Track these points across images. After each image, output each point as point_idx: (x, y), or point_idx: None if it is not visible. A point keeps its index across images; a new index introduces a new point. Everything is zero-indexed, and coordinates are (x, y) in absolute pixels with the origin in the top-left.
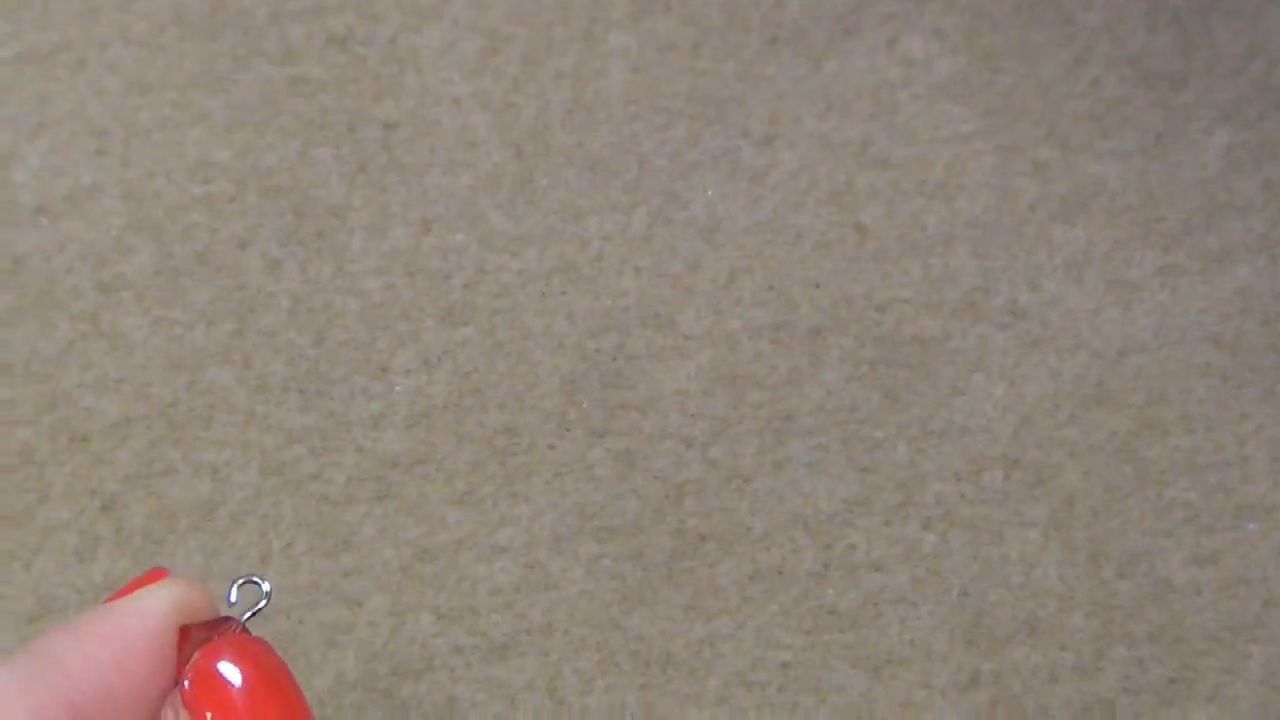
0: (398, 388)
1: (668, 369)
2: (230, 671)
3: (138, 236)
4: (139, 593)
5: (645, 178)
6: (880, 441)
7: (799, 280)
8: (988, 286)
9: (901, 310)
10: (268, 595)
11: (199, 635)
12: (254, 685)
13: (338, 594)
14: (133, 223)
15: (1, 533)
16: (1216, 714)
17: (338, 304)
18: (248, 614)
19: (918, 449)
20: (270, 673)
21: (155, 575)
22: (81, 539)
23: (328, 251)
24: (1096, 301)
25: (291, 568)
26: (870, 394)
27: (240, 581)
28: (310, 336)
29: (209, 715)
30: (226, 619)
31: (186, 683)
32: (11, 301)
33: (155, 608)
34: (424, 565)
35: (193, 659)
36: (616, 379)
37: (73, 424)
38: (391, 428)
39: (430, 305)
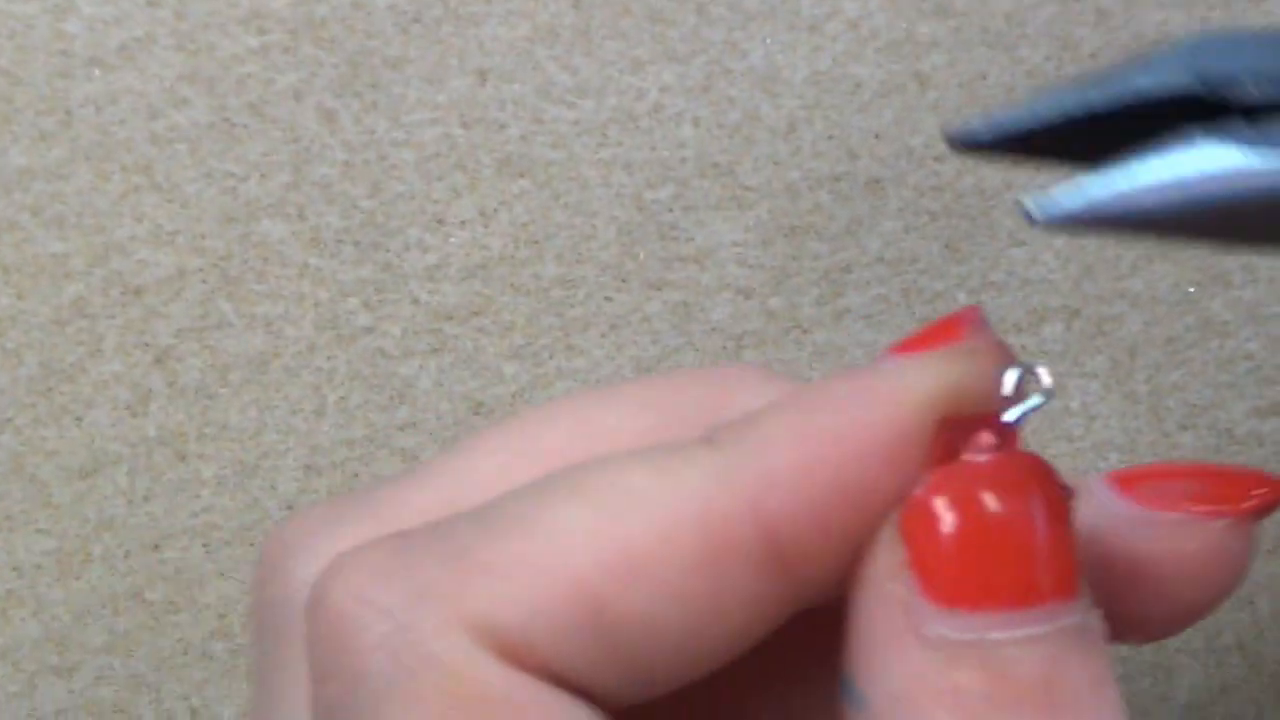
0: (453, 240)
1: (726, 220)
2: (945, 514)
3: (191, 88)
4: (898, 366)
5: (703, 27)
6: (940, 293)
7: (858, 130)
8: None
9: (962, 161)
10: (1048, 393)
11: (953, 439)
12: (970, 540)
13: (393, 447)
14: (186, 74)
15: (54, 387)
16: (1277, 566)
17: (393, 156)
18: (1016, 414)
19: (978, 299)
20: (1002, 524)
21: (952, 328)
22: (134, 393)
23: (383, 103)
24: None
25: (346, 421)
26: (930, 245)
27: (1018, 371)
28: (365, 188)
29: (913, 570)
30: (991, 419)
31: (902, 513)
32: (64, 154)
33: (914, 396)
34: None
35: (924, 481)
36: (674, 230)
37: (125, 277)
38: (447, 280)
39: (486, 156)
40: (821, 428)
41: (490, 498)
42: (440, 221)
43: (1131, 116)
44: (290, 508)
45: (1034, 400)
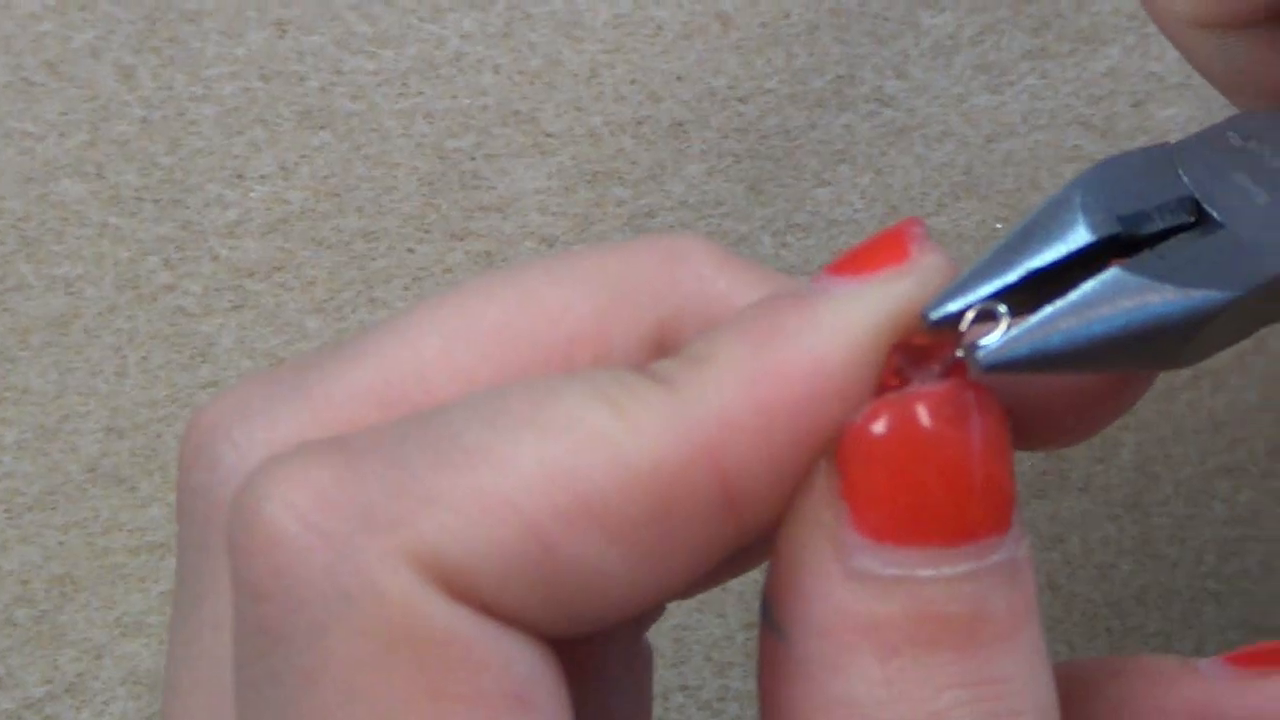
0: (254, 194)
1: (528, 168)
2: (881, 445)
3: None
4: (849, 293)
5: None
6: (745, 235)
7: (661, 73)
8: (853, 75)
9: (765, 101)
10: (1007, 329)
11: (905, 366)
12: (904, 473)
13: (195, 407)
14: None
15: None
16: (1089, 503)
17: (192, 111)
18: (971, 348)
19: (783, 242)
20: (939, 458)
21: (896, 244)
22: None
23: (181, 58)
24: (964, 87)
25: (148, 382)
26: (734, 187)
27: (977, 309)
28: (164, 145)
29: (845, 500)
30: (942, 346)
31: (839, 441)
32: None
33: (867, 326)
34: None
35: (863, 410)
36: (476, 179)
37: None
38: (248, 236)
39: (286, 109)
40: (776, 367)
41: (430, 382)
42: (240, 176)
43: (1067, 267)
44: (92, 471)
45: (991, 338)
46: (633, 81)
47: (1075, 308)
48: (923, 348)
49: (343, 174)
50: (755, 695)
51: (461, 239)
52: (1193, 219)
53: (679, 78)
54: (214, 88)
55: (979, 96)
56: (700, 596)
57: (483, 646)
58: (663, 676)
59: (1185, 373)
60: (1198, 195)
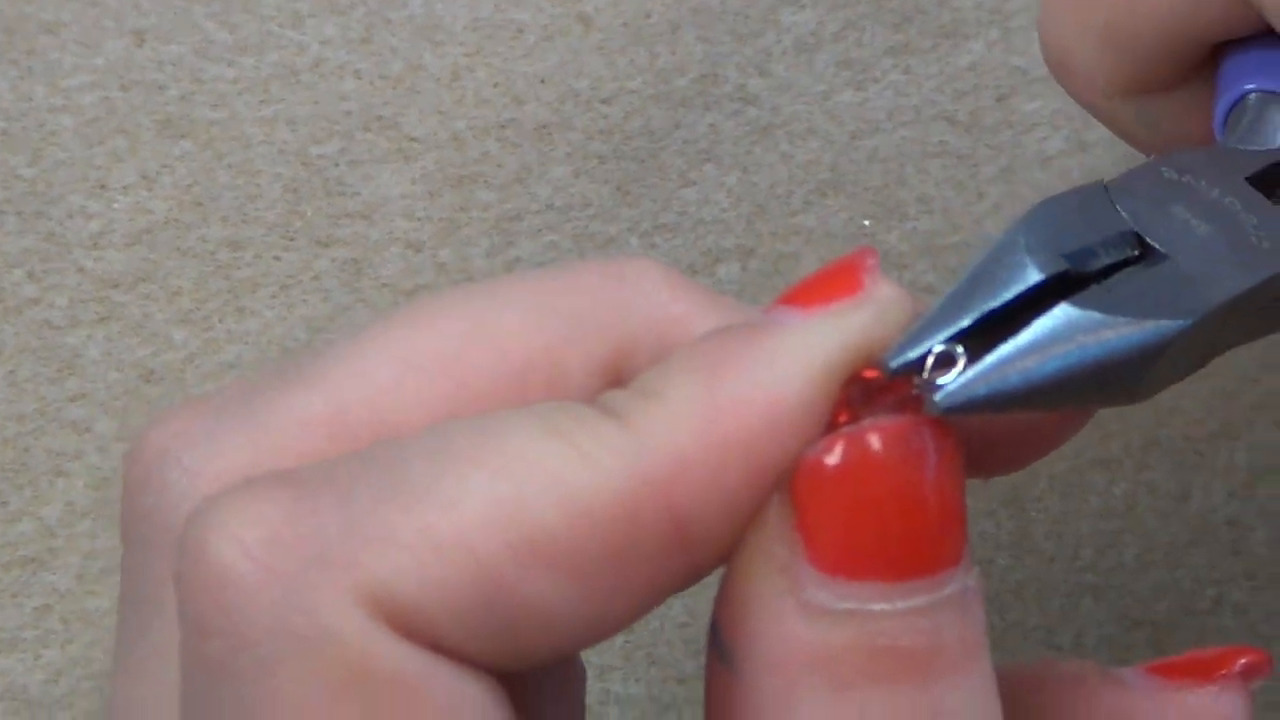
0: (117, 205)
1: (392, 173)
2: (836, 479)
3: None
4: (803, 326)
5: None
6: (613, 237)
7: (523, 76)
8: (716, 73)
9: (629, 101)
10: (963, 369)
11: (858, 400)
12: (860, 508)
13: (63, 420)
14: None
15: None
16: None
17: (51, 122)
18: (929, 388)
19: (650, 243)
20: (895, 494)
21: (850, 276)
22: None
23: (40, 69)
24: (828, 84)
25: (15, 395)
26: (600, 189)
27: (940, 349)
28: (25, 156)
29: (798, 533)
30: (900, 382)
31: (793, 474)
32: None
33: (822, 361)
34: (151, 387)
35: (819, 443)
36: (340, 186)
37: None
38: (112, 247)
39: (147, 119)
40: (729, 402)
41: (382, 412)
42: (103, 187)
43: (1017, 308)
44: None
45: (949, 377)
46: (495, 85)
47: (1031, 347)
48: (876, 382)
49: (206, 183)
50: (635, 700)
51: (327, 246)
52: (1137, 253)
53: (542, 80)
54: (73, 98)
55: (843, 93)
56: None
57: (432, 687)
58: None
59: None
60: (1138, 229)
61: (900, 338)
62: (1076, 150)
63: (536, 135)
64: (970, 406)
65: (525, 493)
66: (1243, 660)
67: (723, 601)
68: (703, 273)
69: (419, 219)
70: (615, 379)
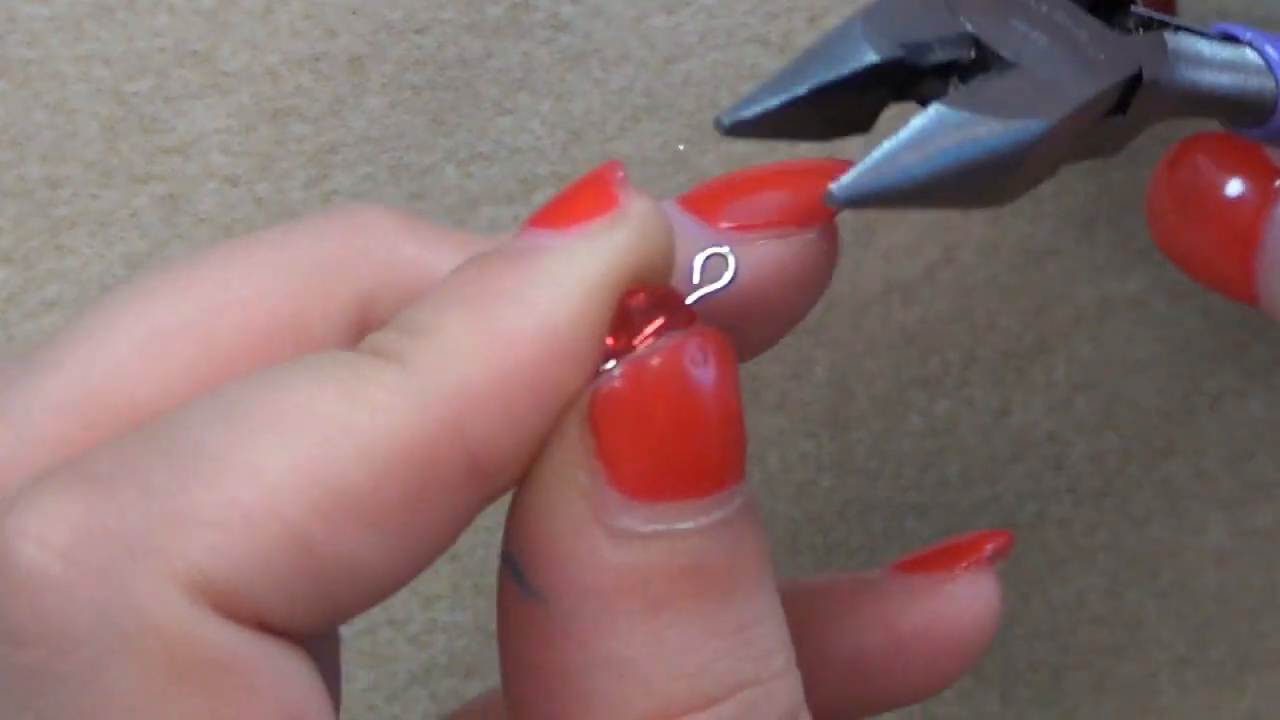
0: None
1: (208, 108)
2: (634, 403)
3: None
4: (568, 246)
5: None
6: (429, 167)
7: (336, 8)
8: (529, 2)
9: (443, 31)
10: (734, 274)
11: (639, 315)
12: (658, 429)
13: None
14: None
15: None
16: (785, 420)
17: None
18: (700, 293)
19: (467, 172)
20: (691, 412)
21: (604, 192)
22: None
23: None
24: (640, 9)
25: None
26: (416, 120)
27: (706, 254)
28: None
29: (601, 461)
30: (672, 295)
31: (592, 395)
32: None
33: (593, 280)
34: None
35: (623, 359)
36: (156, 122)
37: None
38: None
39: None
40: (505, 332)
41: (130, 389)
42: None
43: (853, 88)
44: None
45: (720, 283)
46: (308, 17)
47: (911, 143)
48: (651, 297)
49: (22, 122)
50: (463, 628)
51: (145, 183)
52: (972, 55)
53: (354, 12)
54: None
55: (655, 18)
56: None
57: (261, 667)
58: (369, 614)
59: (874, 287)
60: (979, 35)
61: (737, 102)
62: None
63: (350, 67)
64: (862, 199)
65: (321, 450)
66: (990, 545)
67: (523, 536)
68: (520, 200)
69: (235, 154)
70: (363, 329)
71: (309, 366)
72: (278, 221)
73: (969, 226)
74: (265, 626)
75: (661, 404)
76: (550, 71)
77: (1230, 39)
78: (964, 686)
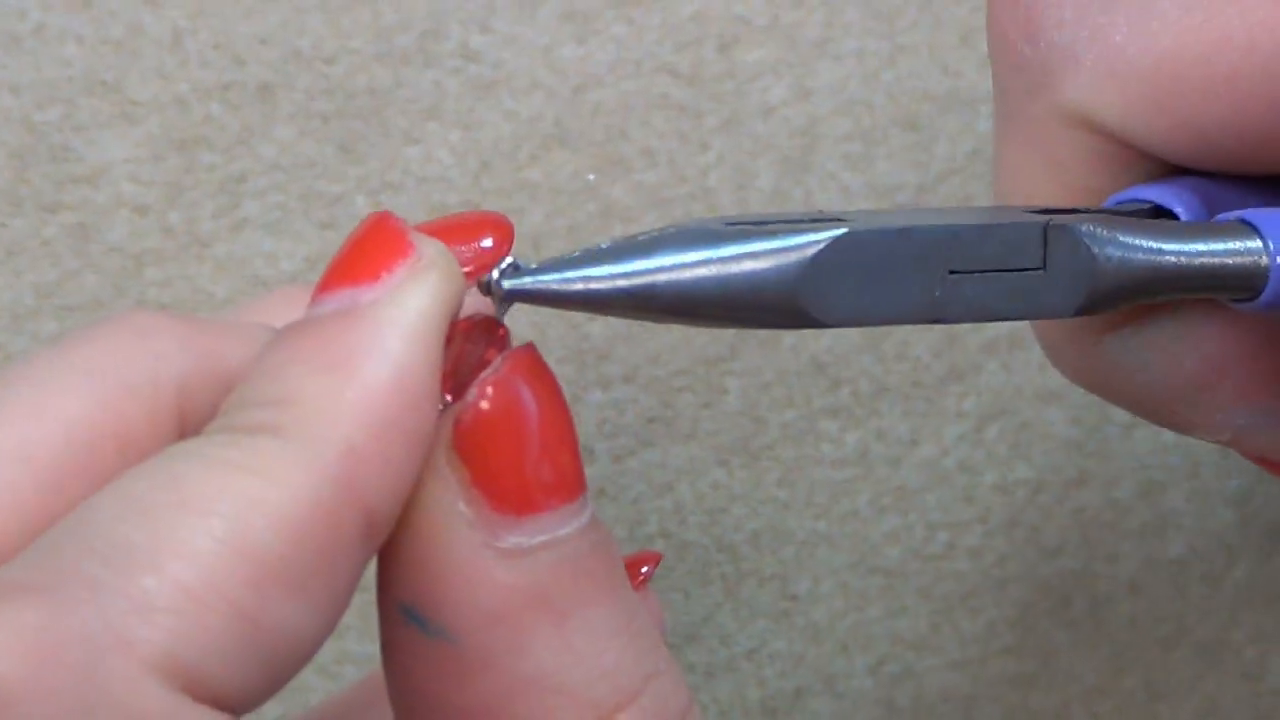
0: None
1: (117, 137)
2: (500, 428)
3: None
4: (395, 292)
5: None
6: (339, 196)
7: (244, 37)
8: (438, 30)
9: (352, 60)
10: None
11: (472, 346)
12: (528, 446)
13: None
14: None
15: None
16: (697, 449)
17: None
18: (503, 312)
19: (376, 201)
20: (549, 424)
21: (396, 244)
22: None
23: None
24: (550, 38)
25: None
26: (325, 148)
27: (505, 265)
28: None
29: (477, 487)
30: (489, 320)
31: (454, 429)
32: None
33: (423, 324)
34: None
35: (474, 388)
36: (65, 151)
37: None
38: None
39: None
40: (368, 385)
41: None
42: None
43: None
44: None
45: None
46: (216, 46)
47: (600, 256)
48: (475, 325)
49: None
50: (371, 658)
51: (54, 212)
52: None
53: (263, 40)
54: None
55: (565, 47)
56: None
57: None
58: None
59: None
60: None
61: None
62: (799, 99)
63: (259, 95)
64: (525, 296)
65: (240, 526)
66: (646, 568)
67: (417, 581)
68: None
69: (145, 183)
70: (184, 424)
71: (189, 454)
72: (189, 251)
73: None
74: (220, 705)
75: (522, 420)
76: (460, 100)
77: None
78: (875, 716)
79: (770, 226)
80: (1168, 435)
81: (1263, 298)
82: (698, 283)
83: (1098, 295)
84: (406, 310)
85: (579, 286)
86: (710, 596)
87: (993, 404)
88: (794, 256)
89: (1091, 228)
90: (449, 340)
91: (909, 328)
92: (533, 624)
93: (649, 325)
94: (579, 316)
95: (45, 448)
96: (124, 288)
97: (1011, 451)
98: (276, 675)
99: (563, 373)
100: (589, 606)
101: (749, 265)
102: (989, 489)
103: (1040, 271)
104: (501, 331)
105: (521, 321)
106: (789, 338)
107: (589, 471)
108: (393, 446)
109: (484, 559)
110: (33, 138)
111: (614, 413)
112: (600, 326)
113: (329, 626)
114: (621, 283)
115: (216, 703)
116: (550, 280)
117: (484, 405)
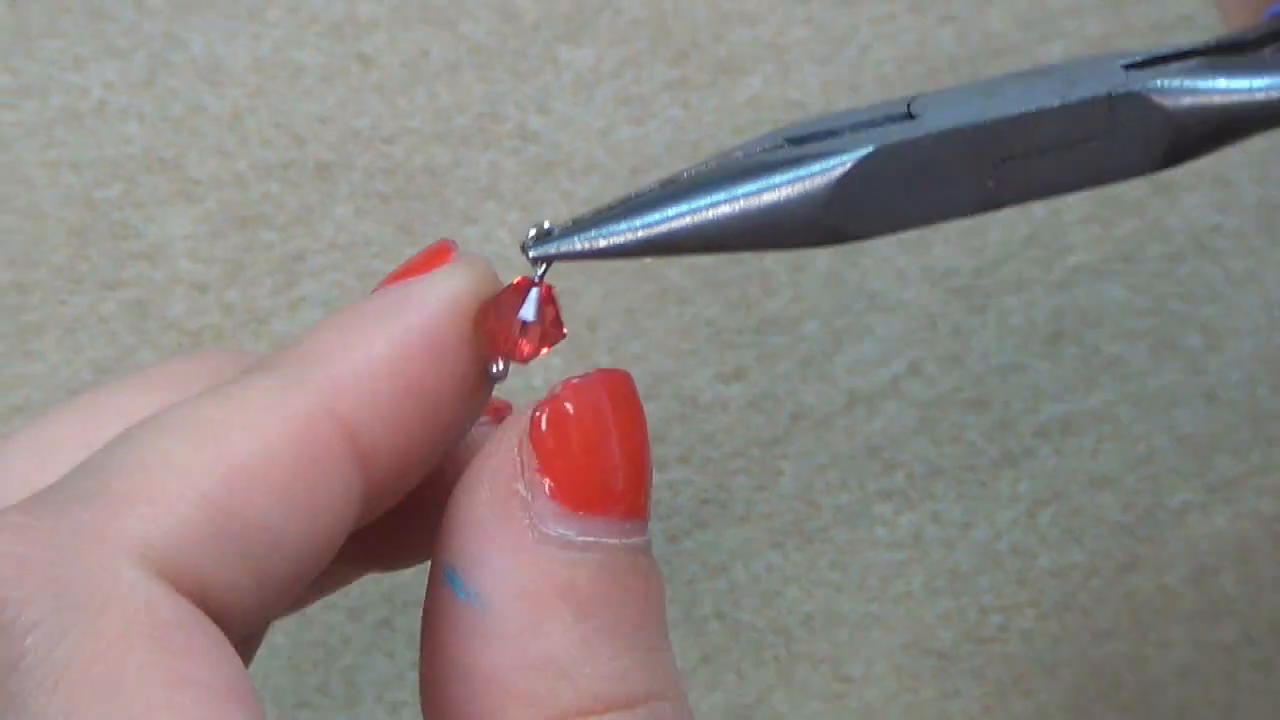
0: None
1: (176, 214)
2: (576, 425)
3: None
4: (423, 279)
5: (143, 21)
6: None
7: (304, 116)
8: (496, 112)
9: (411, 140)
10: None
11: (511, 304)
12: (598, 449)
13: None
14: None
15: None
16: (751, 531)
17: None
18: (541, 275)
19: None
20: (625, 438)
21: (441, 253)
22: None
23: None
24: (607, 120)
25: None
26: (383, 228)
27: (535, 231)
28: None
29: (541, 474)
30: (522, 279)
31: (533, 417)
32: None
33: (448, 293)
34: None
35: (563, 384)
36: (125, 228)
37: None
38: None
39: None
40: (372, 333)
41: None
42: None
43: None
44: None
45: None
46: (277, 125)
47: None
48: (508, 294)
49: None
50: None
51: (113, 288)
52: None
53: (322, 120)
54: None
55: (622, 129)
56: (370, 638)
57: (209, 635)
58: (334, 719)
59: (839, 400)
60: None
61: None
62: None
63: (318, 175)
64: (556, 258)
65: (217, 438)
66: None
67: (462, 545)
68: None
69: (203, 260)
70: None
71: (187, 400)
72: (246, 329)
73: (934, 340)
74: (208, 603)
75: (595, 425)
76: (518, 181)
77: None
78: None
79: (805, 147)
80: (1220, 520)
81: None
82: (719, 224)
83: (1177, 150)
84: (438, 287)
85: (603, 243)
86: (764, 678)
87: (1046, 488)
88: (819, 182)
89: (1164, 82)
90: (487, 313)
91: (963, 412)
92: (557, 611)
93: (703, 409)
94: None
95: (102, 434)
96: None
97: (1064, 535)
98: (262, 573)
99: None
100: (614, 614)
101: (770, 197)
102: (1042, 572)
103: (1107, 142)
104: (544, 289)
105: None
106: (841, 419)
107: None
108: (381, 384)
109: (527, 540)
110: (93, 215)
111: (669, 494)
112: (656, 407)
113: (320, 536)
114: (643, 233)
115: (203, 599)
116: (577, 242)
117: (559, 404)
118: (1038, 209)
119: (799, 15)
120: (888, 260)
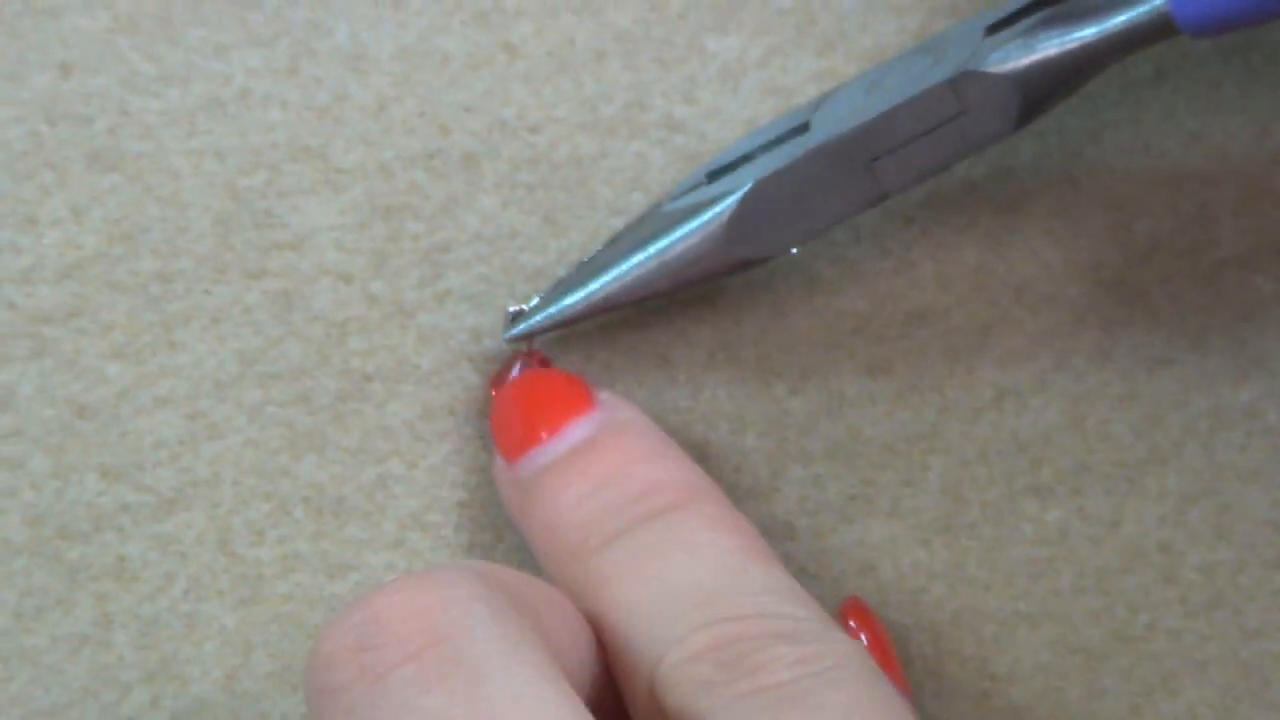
0: (46, 240)
1: (321, 204)
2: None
3: None
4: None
5: (286, 8)
6: (541, 268)
7: (449, 105)
8: (642, 101)
9: (556, 130)
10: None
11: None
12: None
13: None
14: None
15: None
16: (898, 528)
17: None
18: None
19: None
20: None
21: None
22: None
23: None
24: (753, 110)
25: None
26: (529, 219)
27: (509, 316)
28: None
29: (497, 448)
30: (529, 351)
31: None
32: None
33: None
34: (84, 422)
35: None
36: (269, 217)
37: None
38: (42, 282)
39: (75, 152)
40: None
41: None
42: (32, 222)
43: None
44: None
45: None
46: (422, 114)
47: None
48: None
49: (135, 216)
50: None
51: (258, 278)
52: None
53: (468, 109)
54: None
55: (768, 119)
56: None
57: None
58: None
59: (987, 394)
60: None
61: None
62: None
63: (463, 165)
64: (527, 335)
65: None
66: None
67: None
68: None
69: (348, 250)
70: None
71: None
72: (392, 321)
73: (1081, 333)
74: None
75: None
76: (664, 172)
77: None
78: None
79: (718, 184)
80: None
81: (1180, 27)
82: (646, 278)
83: (1029, 104)
84: None
85: (560, 317)
86: (910, 676)
87: (1194, 484)
88: (715, 225)
89: (1002, 52)
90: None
91: (1111, 407)
92: (535, 496)
93: (848, 402)
94: (780, 391)
95: None
96: (327, 356)
97: (1212, 532)
98: None
99: (763, 447)
100: (560, 493)
101: (680, 247)
102: (1190, 570)
103: (963, 120)
104: (535, 354)
105: (724, 404)
106: (989, 415)
107: (790, 548)
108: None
109: (515, 485)
110: (236, 204)
111: (815, 490)
112: (801, 402)
113: None
114: (585, 304)
115: None
116: (538, 320)
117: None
118: (1184, 203)
119: (944, 6)
120: (1035, 253)
